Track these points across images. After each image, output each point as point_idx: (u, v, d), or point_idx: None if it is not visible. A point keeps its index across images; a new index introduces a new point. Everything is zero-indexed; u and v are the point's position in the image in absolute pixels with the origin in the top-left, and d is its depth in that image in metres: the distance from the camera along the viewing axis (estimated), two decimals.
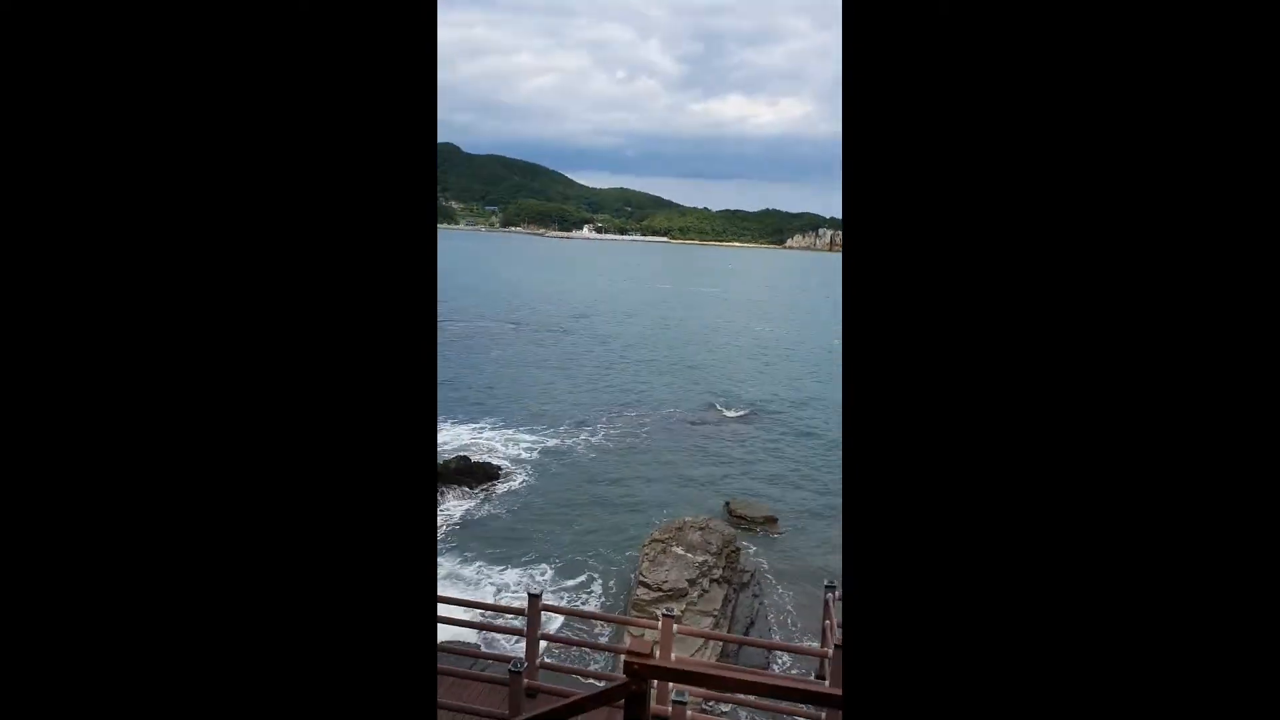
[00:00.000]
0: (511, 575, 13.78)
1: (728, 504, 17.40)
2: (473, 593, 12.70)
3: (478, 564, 14.09)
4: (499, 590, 13.22)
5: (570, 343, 41.40)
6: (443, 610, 6.49)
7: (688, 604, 11.67)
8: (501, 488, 17.91)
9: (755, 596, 13.13)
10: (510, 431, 22.62)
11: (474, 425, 23.02)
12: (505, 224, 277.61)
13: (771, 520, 16.75)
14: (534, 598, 6.06)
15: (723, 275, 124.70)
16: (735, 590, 12.77)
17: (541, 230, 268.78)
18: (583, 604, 13.00)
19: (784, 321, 58.74)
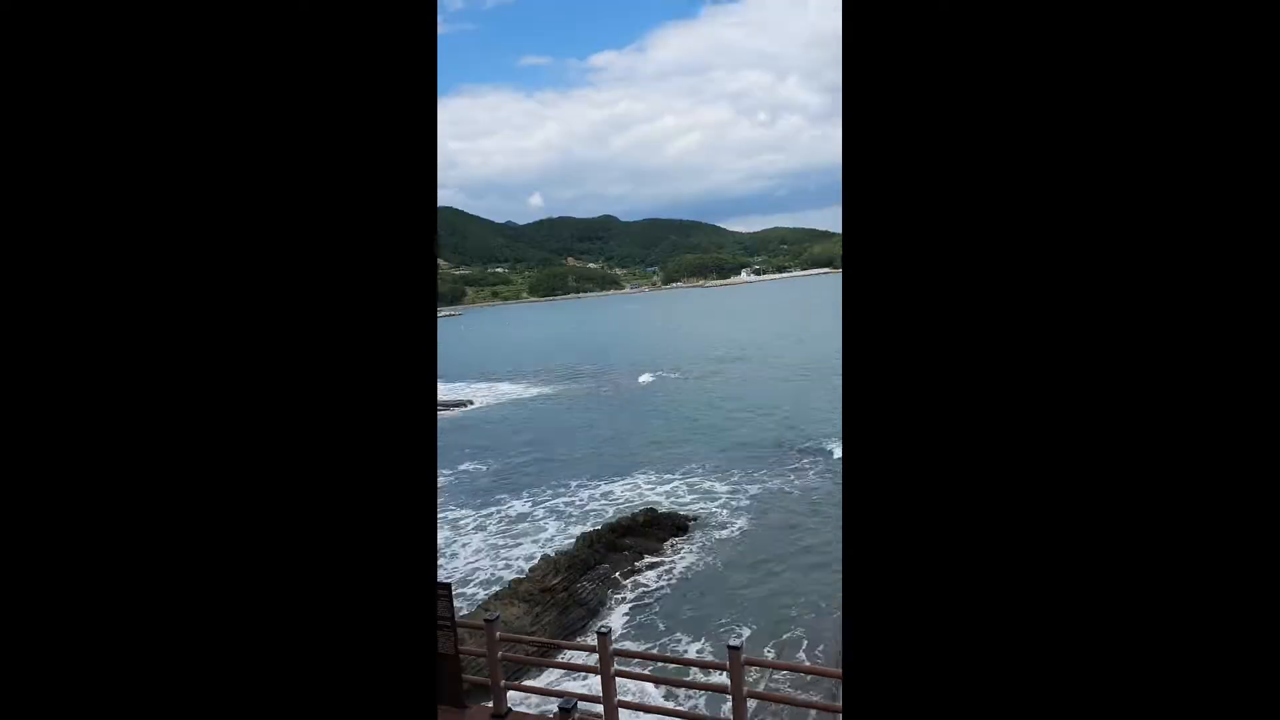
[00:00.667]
0: (699, 634, 13.14)
1: None
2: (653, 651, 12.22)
3: (660, 622, 13.64)
4: (684, 648, 12.60)
5: (734, 379, 40.81)
6: (622, 665, 6.11)
7: None
8: (696, 538, 17.49)
9: None
10: (704, 480, 22.30)
11: (662, 476, 23.04)
12: (666, 281, 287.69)
13: None
14: (734, 649, 5.47)
15: None
16: None
17: (700, 281, 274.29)
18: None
19: None
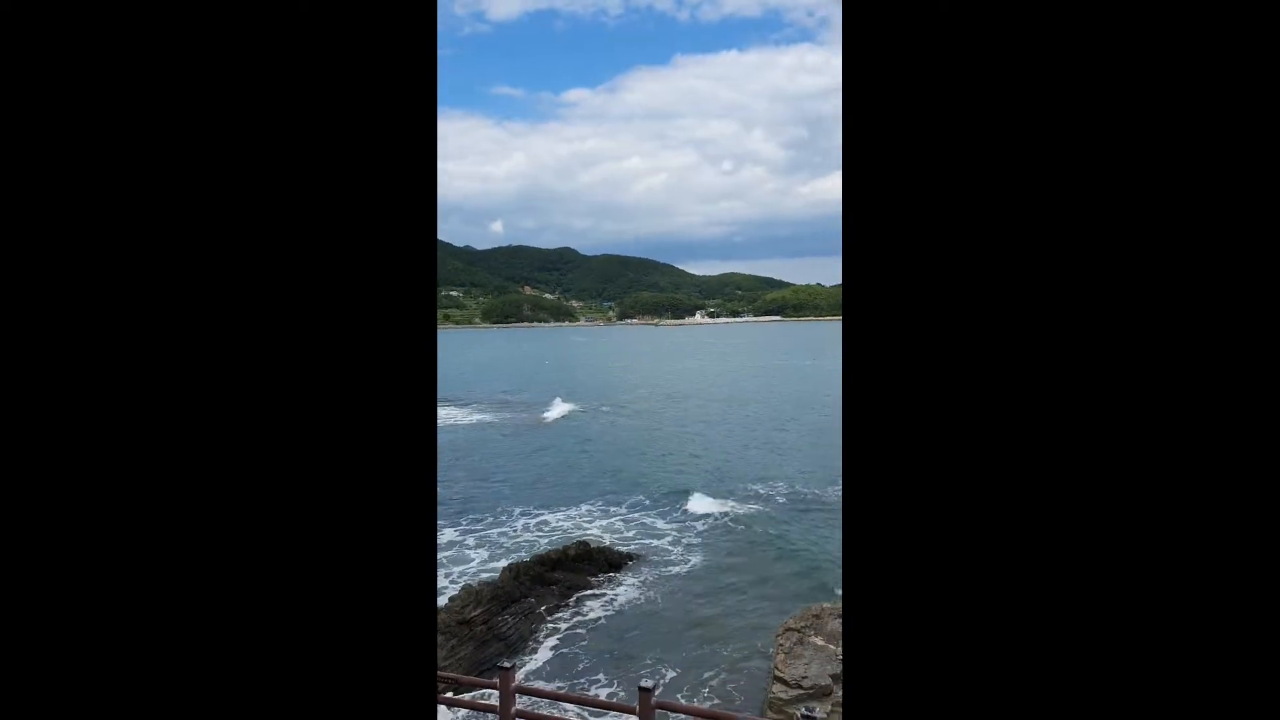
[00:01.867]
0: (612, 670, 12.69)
1: None
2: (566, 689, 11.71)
3: (581, 660, 13.15)
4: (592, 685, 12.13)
5: (668, 422, 40.76)
6: (527, 705, 5.73)
7: (834, 704, 10.07)
8: (624, 582, 17.07)
9: None
10: (634, 513, 21.91)
11: (586, 508, 22.56)
12: (621, 316, 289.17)
13: None
14: (645, 691, 5.16)
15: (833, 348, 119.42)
16: None
17: (655, 320, 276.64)
18: (709, 703, 11.61)
19: None
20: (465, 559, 18.68)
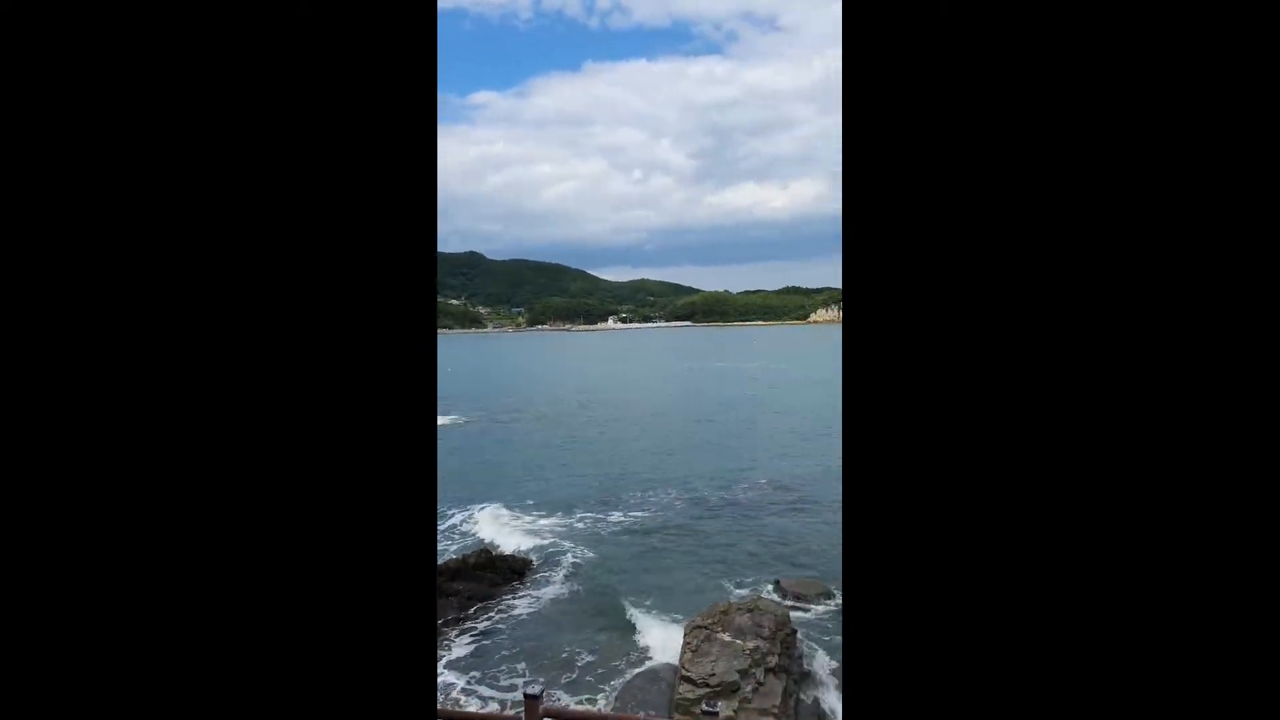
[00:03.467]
0: (509, 671, 12.08)
1: (778, 582, 15.61)
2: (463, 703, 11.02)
3: (478, 668, 12.43)
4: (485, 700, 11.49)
5: (589, 424, 40.28)
6: None
7: (741, 700, 9.88)
8: (532, 581, 16.38)
9: (820, 686, 11.20)
10: (532, 517, 21.21)
11: (491, 508, 21.68)
12: (531, 323, 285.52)
13: (829, 595, 14.88)
14: (531, 698, 4.68)
15: (742, 351, 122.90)
16: (795, 681, 10.88)
17: (568, 326, 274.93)
18: (601, 707, 11.16)
19: (816, 390, 56.43)
20: None
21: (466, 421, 41.12)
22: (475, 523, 21.00)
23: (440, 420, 42.57)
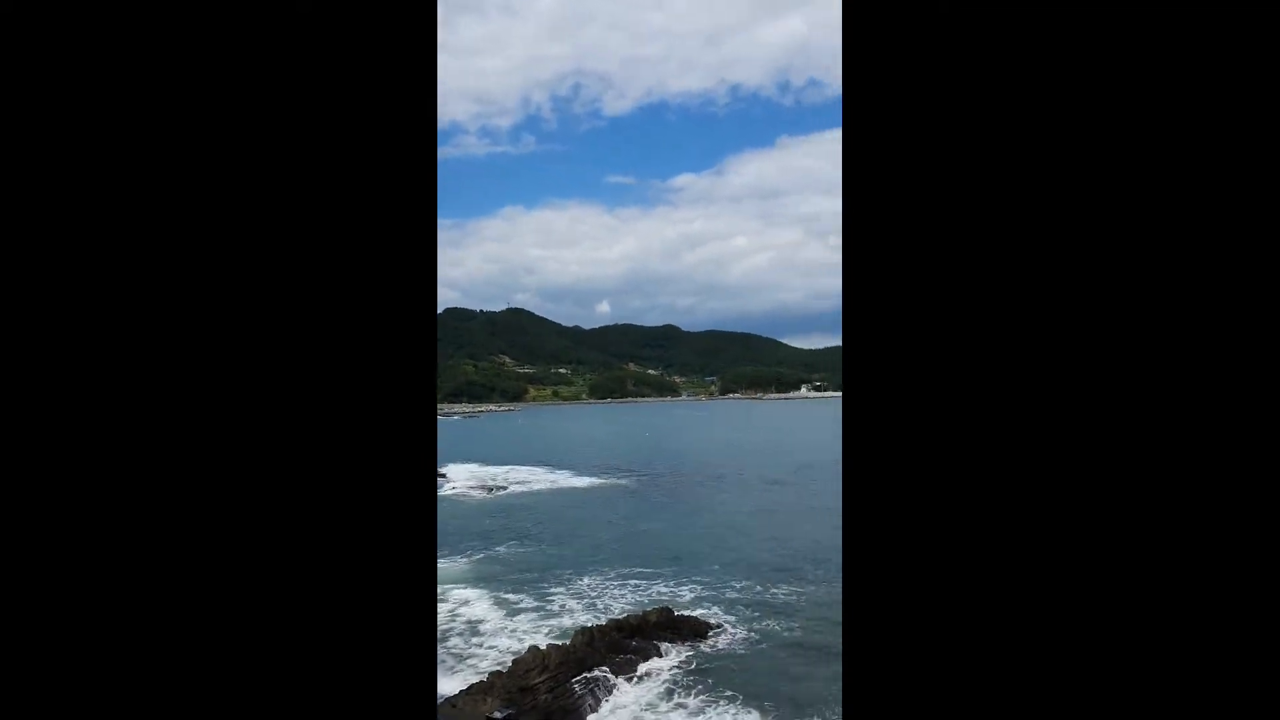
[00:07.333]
0: None
1: None
2: None
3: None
4: None
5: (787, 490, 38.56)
6: None
7: None
8: (704, 651, 15.64)
9: None
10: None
11: (686, 582, 21.25)
12: (723, 391, 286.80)
13: None
14: None
15: None
16: None
17: (759, 394, 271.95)
18: None
19: None
20: (547, 614, 17.94)
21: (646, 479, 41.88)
22: (652, 584, 20.76)
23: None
